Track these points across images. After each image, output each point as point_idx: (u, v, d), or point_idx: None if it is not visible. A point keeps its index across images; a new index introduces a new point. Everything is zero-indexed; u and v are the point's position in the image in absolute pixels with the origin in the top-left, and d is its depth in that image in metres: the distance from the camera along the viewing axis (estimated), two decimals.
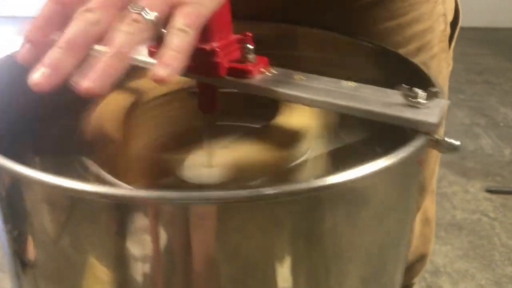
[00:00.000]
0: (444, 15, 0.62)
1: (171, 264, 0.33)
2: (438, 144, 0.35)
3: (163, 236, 0.32)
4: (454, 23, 0.65)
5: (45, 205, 0.34)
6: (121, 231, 0.32)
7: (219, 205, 0.31)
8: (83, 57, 0.32)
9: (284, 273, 0.34)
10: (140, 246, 0.32)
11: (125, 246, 0.33)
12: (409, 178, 0.39)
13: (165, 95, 0.50)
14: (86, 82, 0.31)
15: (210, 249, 0.33)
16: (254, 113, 0.50)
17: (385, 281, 0.42)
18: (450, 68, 0.66)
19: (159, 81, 0.32)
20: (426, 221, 0.78)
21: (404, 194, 0.39)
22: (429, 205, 0.77)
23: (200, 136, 0.44)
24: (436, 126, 0.35)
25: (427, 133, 0.35)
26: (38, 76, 0.31)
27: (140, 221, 0.32)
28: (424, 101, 0.37)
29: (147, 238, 0.32)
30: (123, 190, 0.31)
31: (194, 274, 0.33)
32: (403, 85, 0.37)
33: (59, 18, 0.34)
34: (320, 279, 0.36)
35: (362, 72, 0.46)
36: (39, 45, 0.33)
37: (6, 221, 0.38)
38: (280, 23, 0.57)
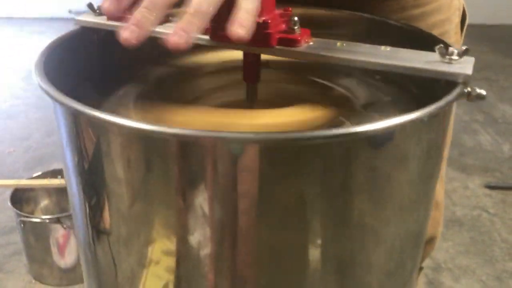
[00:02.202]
0: (459, 9, 0.69)
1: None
2: (470, 94, 0.40)
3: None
4: (461, 21, 0.70)
5: (124, 161, 0.38)
6: (187, 178, 0.36)
7: (267, 146, 0.35)
8: (164, 16, 0.38)
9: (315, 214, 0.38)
10: (203, 196, 0.36)
11: (190, 208, 0.37)
12: (437, 136, 0.42)
13: (212, 70, 0.57)
14: (174, 37, 0.36)
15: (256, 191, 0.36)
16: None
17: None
18: None
19: (237, 39, 0.37)
20: (435, 205, 0.80)
21: (432, 153, 0.42)
22: (439, 189, 0.79)
23: (244, 104, 0.50)
24: (470, 77, 0.40)
25: (463, 83, 0.40)
26: (127, 33, 0.37)
27: (204, 163, 0.35)
28: (457, 58, 0.41)
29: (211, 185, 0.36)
30: (189, 130, 0.34)
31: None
32: (440, 44, 0.42)
33: None
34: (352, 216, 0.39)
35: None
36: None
37: (85, 190, 0.43)
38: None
